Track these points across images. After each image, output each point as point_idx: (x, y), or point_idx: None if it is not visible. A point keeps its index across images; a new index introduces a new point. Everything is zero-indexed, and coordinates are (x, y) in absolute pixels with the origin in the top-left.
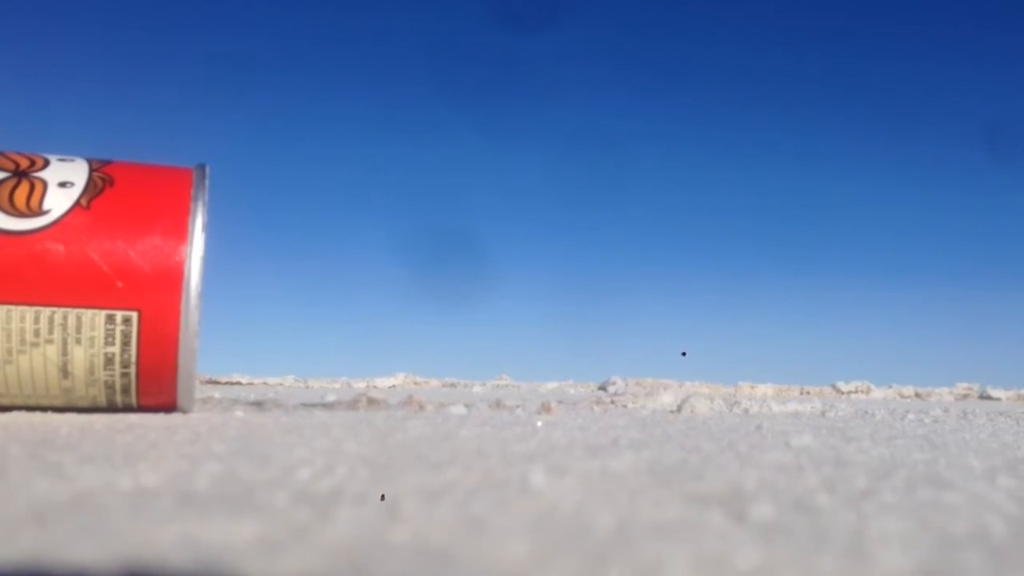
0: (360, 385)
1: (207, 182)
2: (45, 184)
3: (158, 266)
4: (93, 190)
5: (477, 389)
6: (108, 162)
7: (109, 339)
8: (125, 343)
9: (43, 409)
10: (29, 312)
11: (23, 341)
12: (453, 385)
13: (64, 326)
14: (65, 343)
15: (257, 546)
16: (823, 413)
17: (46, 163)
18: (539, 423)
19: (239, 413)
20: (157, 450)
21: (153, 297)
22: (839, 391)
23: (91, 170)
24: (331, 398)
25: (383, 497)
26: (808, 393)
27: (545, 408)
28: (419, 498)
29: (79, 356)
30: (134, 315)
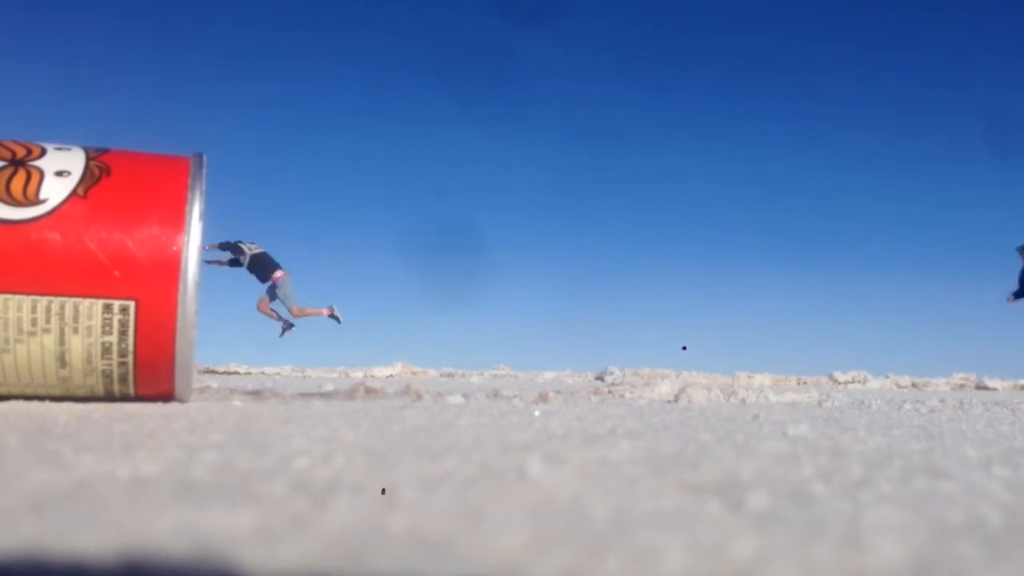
0: (358, 374)
1: (204, 171)
2: (42, 173)
3: (155, 255)
4: (90, 179)
5: (475, 379)
6: (105, 151)
7: (107, 328)
8: (123, 332)
9: (41, 398)
10: (26, 301)
11: (20, 330)
12: (451, 375)
13: (61, 315)
14: (62, 332)
15: (255, 535)
16: (820, 403)
17: (43, 152)
18: (537, 413)
19: (237, 402)
20: (155, 439)
21: (150, 286)
22: (836, 381)
23: (88, 159)
24: (329, 387)
25: (384, 491)
26: (805, 383)
27: (543, 398)
28: (417, 487)
29: (76, 345)
30: (131, 304)
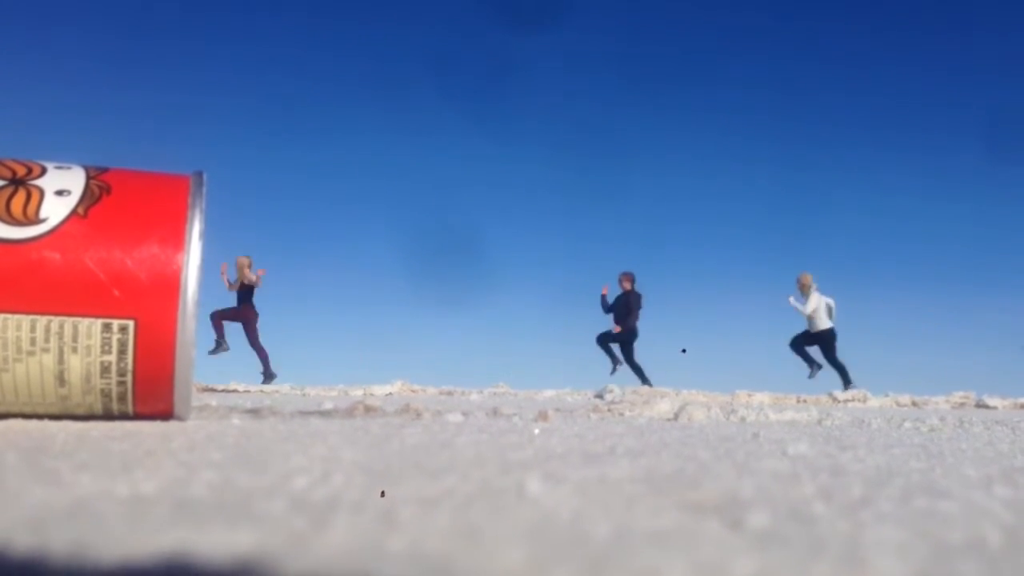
0: (357, 393)
1: (204, 189)
2: (42, 192)
3: (155, 274)
4: (90, 198)
5: (474, 397)
6: (105, 170)
7: (106, 347)
8: (122, 351)
9: (39, 417)
10: (26, 320)
11: (19, 349)
12: (450, 393)
13: (61, 334)
14: (61, 351)
15: (254, 555)
16: (820, 421)
17: (43, 171)
18: (536, 431)
19: (236, 421)
20: (154, 458)
21: (150, 305)
22: (836, 399)
23: (88, 178)
24: (328, 406)
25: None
26: (805, 401)
27: (542, 416)
28: (416, 506)
29: (75, 364)
30: (131, 323)
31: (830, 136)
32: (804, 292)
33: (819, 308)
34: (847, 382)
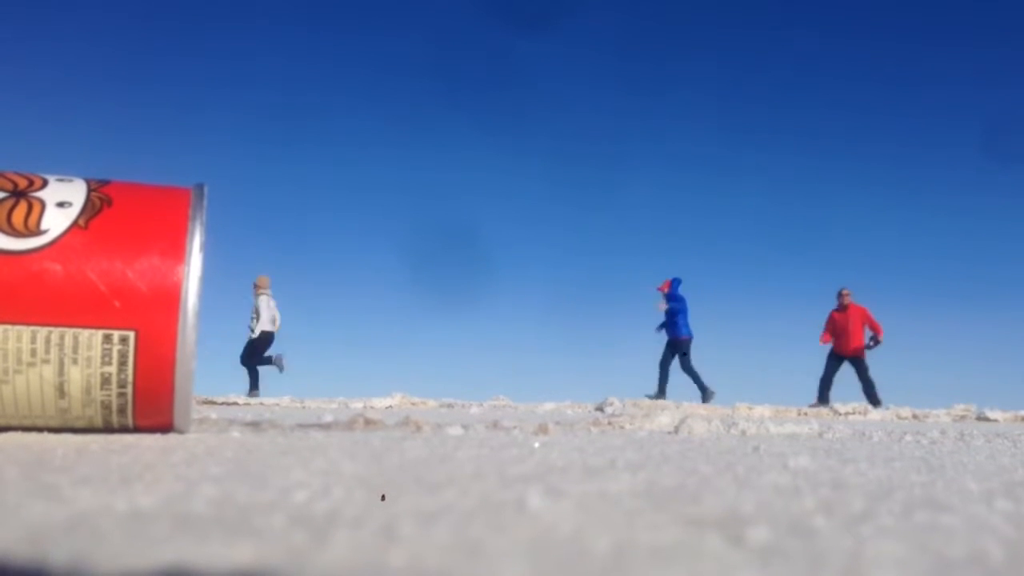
0: (357, 405)
1: (205, 201)
2: (43, 204)
3: (156, 286)
4: (91, 210)
5: (474, 410)
6: (107, 182)
7: (106, 359)
8: (122, 363)
9: (39, 430)
10: (26, 332)
11: (19, 361)
12: (450, 405)
13: (61, 346)
14: (62, 363)
15: (254, 569)
16: (821, 434)
17: (44, 183)
18: (536, 444)
19: (235, 434)
20: (153, 471)
21: (150, 317)
22: (837, 412)
23: (89, 190)
24: (328, 418)
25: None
26: (805, 414)
27: (542, 429)
28: (416, 520)
29: (76, 376)
30: (131, 335)
31: (833, 147)
32: (257, 293)
33: (261, 310)
34: (254, 387)
